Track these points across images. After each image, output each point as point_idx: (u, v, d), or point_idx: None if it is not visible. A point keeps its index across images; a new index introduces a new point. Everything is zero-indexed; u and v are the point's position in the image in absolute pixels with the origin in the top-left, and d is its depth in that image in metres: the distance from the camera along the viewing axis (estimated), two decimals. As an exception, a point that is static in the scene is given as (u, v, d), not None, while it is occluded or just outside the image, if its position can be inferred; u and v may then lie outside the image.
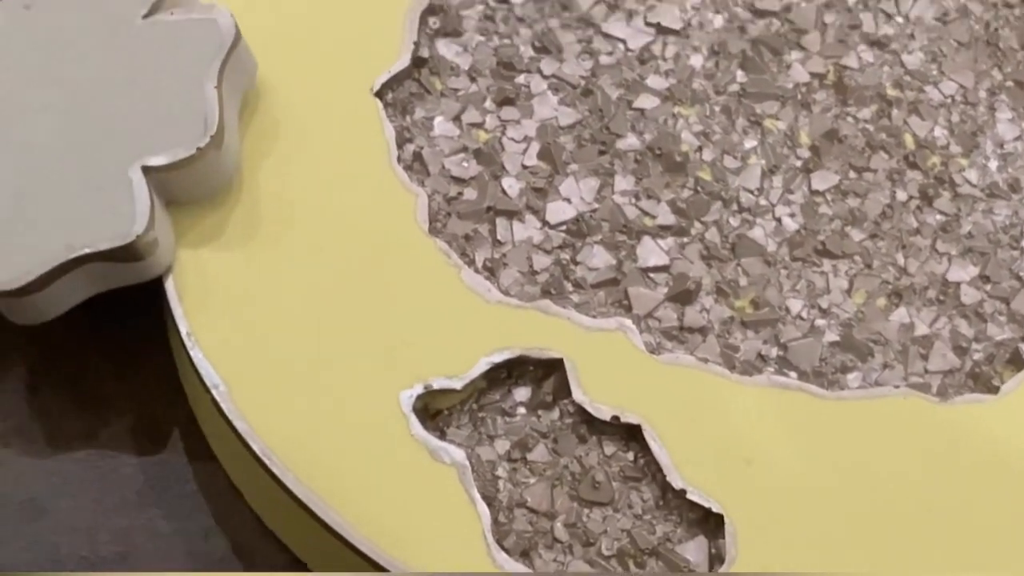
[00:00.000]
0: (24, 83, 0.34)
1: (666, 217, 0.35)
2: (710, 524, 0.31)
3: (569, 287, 0.34)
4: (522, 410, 0.33)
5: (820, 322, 0.34)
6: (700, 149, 0.36)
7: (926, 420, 0.32)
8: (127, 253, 0.32)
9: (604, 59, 0.37)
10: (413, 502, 0.30)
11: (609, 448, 0.32)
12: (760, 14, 0.38)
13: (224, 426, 0.32)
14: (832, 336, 0.33)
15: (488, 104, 0.36)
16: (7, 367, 0.35)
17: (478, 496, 0.30)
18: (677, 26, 0.37)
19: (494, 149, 0.36)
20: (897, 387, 0.33)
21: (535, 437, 0.32)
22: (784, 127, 0.36)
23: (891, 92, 0.37)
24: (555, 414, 0.32)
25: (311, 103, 0.35)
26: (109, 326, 0.35)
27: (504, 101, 0.36)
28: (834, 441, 0.32)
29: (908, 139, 0.36)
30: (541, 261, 0.34)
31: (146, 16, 0.35)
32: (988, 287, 0.34)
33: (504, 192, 0.35)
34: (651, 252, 0.34)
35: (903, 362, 0.33)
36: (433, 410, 0.33)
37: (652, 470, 0.32)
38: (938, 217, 0.35)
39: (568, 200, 0.35)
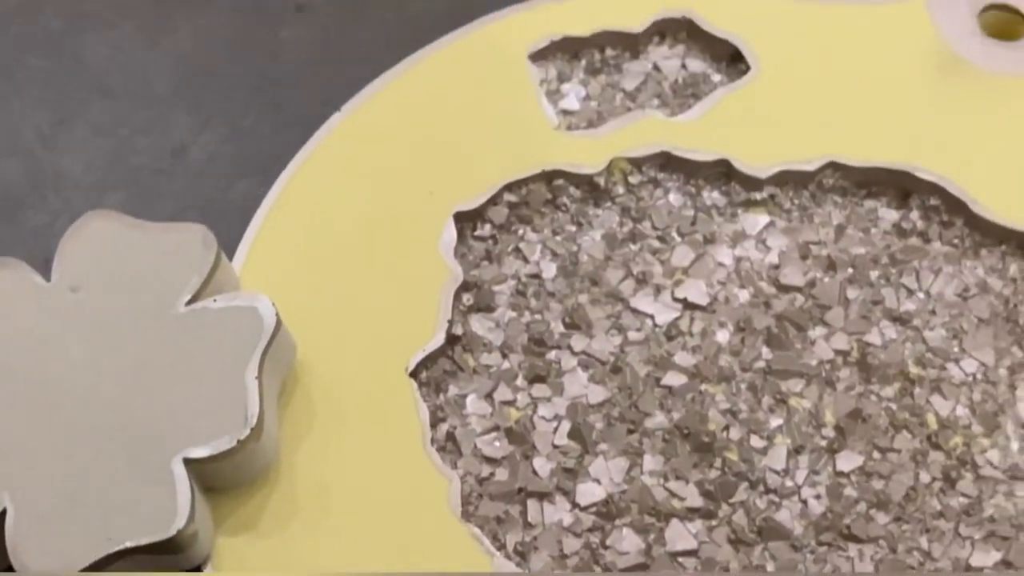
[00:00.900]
0: (69, 368, 0.36)
1: (694, 499, 0.36)
2: None
3: (599, 571, 0.35)
4: None
5: (847, 609, 0.34)
6: (727, 428, 0.37)
7: None
8: (168, 546, 0.33)
9: (632, 335, 0.38)
10: None
11: None
12: (785, 289, 0.39)
13: None
14: (859, 624, 0.34)
15: (520, 381, 0.38)
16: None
17: None
18: (704, 302, 0.39)
19: (525, 428, 0.37)
20: None
21: None
22: (809, 406, 0.37)
23: (913, 370, 0.38)
24: None
25: (348, 384, 0.37)
26: None
27: (535, 378, 0.38)
28: None
29: (931, 419, 0.37)
30: (571, 544, 0.35)
31: (189, 303, 0.36)
32: (1011, 572, 0.35)
33: (535, 473, 0.36)
34: (680, 536, 0.35)
35: (929, 652, 0.34)
36: None
37: None
38: (961, 500, 0.36)
39: (598, 481, 0.36)
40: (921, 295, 0.39)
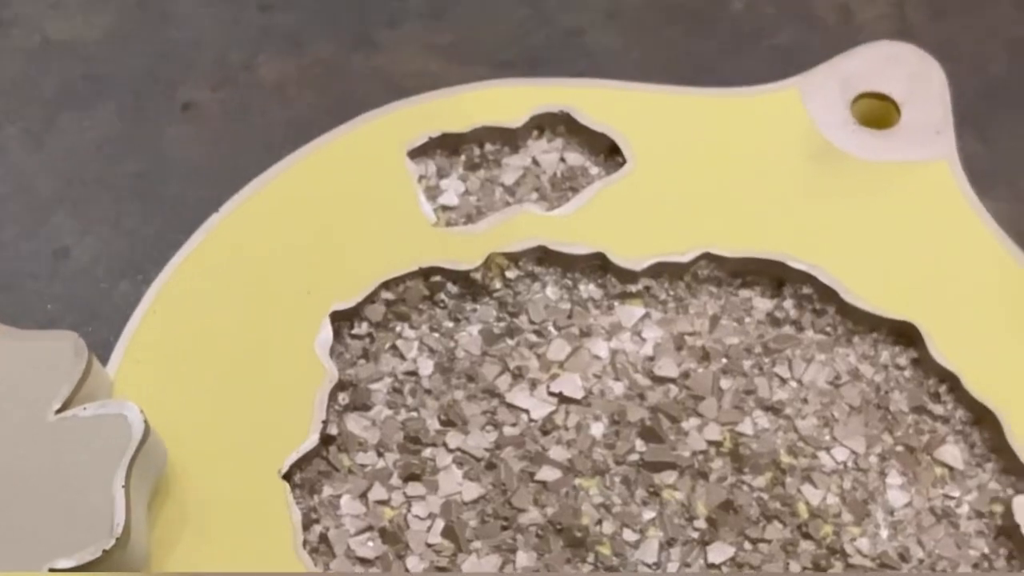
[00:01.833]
0: (-60, 477, 0.36)
1: (566, 595, 0.36)
2: None
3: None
4: None
5: None
6: (600, 522, 0.38)
7: None
8: (33, 658, 0.33)
9: (508, 430, 0.39)
10: None
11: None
12: (659, 381, 0.40)
13: None
14: None
15: (394, 480, 0.38)
16: None
17: None
18: (579, 395, 0.40)
19: (399, 527, 0.37)
20: None
21: None
22: (681, 497, 0.38)
23: (785, 459, 0.39)
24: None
25: (221, 488, 0.37)
26: None
27: (410, 476, 0.38)
28: None
29: (801, 508, 0.38)
30: (443, 645, 0.36)
31: (59, 411, 0.37)
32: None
33: (407, 572, 0.37)
34: (550, 633, 0.36)
35: None
36: None
37: None
38: (831, 589, 0.37)
39: (471, 580, 0.37)
40: (793, 384, 0.40)
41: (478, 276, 0.42)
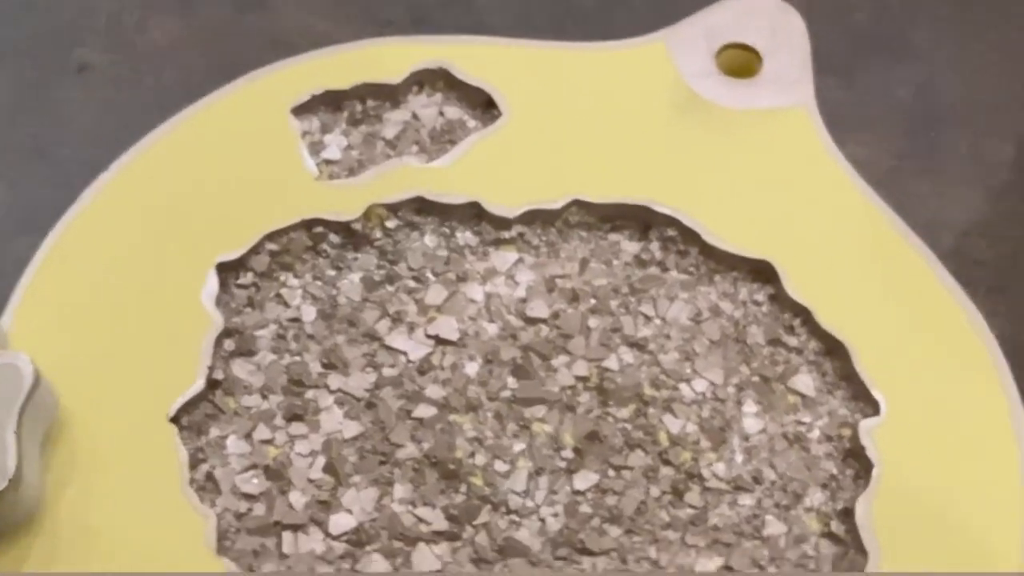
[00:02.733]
0: None
1: (440, 523, 0.39)
2: None
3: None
4: None
5: (579, 619, 0.37)
6: (473, 455, 0.40)
7: None
8: (-68, 593, 0.35)
9: (387, 371, 0.41)
10: None
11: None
12: (531, 322, 0.42)
13: None
14: (590, 632, 0.37)
15: (278, 420, 0.40)
16: None
17: None
18: (454, 337, 0.42)
19: (282, 464, 0.39)
20: None
21: None
22: (550, 430, 0.40)
23: (648, 392, 0.41)
24: None
25: (111, 432, 0.39)
26: None
27: (293, 417, 0.40)
28: None
29: (662, 436, 0.40)
30: (323, 572, 0.38)
31: (-46, 362, 0.38)
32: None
33: (291, 506, 0.39)
34: (425, 559, 0.38)
35: (653, 654, 0.37)
36: None
37: None
38: (688, 511, 0.39)
39: (350, 511, 0.39)
40: (657, 321, 0.42)
41: (359, 226, 0.43)
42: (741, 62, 0.46)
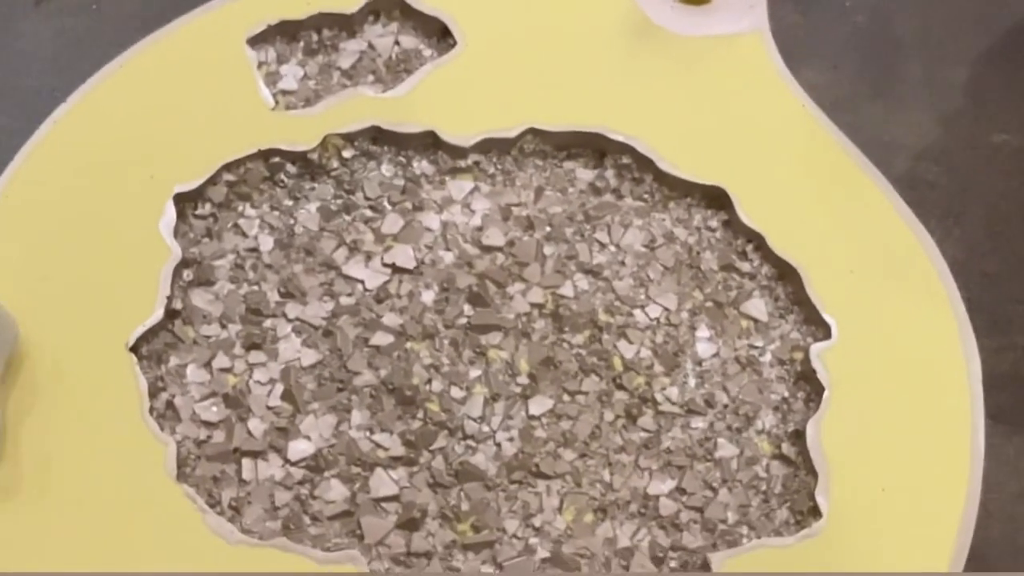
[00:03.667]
0: None
1: (397, 449, 0.39)
2: None
3: (307, 520, 0.38)
4: (261, 641, 0.37)
5: (533, 540, 0.38)
6: (430, 381, 0.40)
7: (623, 628, 0.37)
8: None
9: (344, 300, 0.41)
10: None
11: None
12: (487, 250, 0.42)
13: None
14: (544, 553, 0.38)
15: (237, 349, 0.41)
16: None
17: None
18: (411, 265, 0.42)
19: (241, 392, 0.40)
20: (599, 599, 0.37)
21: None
22: (506, 356, 0.41)
23: (603, 318, 0.41)
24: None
25: (71, 361, 0.39)
26: None
27: (252, 345, 0.41)
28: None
29: (616, 362, 0.41)
30: (282, 497, 0.39)
31: (-87, 294, 0.38)
32: (684, 498, 0.39)
33: (250, 433, 0.39)
34: (382, 483, 0.39)
35: (606, 573, 0.38)
36: (181, 646, 0.36)
37: None
38: (641, 435, 0.40)
39: (308, 437, 0.39)
40: (612, 248, 0.43)
41: (315, 156, 0.43)
42: (697, -11, 0.46)
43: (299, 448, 0.40)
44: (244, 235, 0.43)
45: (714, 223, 0.43)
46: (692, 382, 0.41)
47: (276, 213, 0.43)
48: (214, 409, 0.40)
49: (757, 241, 0.43)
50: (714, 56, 0.45)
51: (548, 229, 0.43)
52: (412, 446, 0.40)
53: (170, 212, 0.42)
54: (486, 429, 0.40)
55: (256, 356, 0.41)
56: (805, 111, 0.44)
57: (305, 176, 0.44)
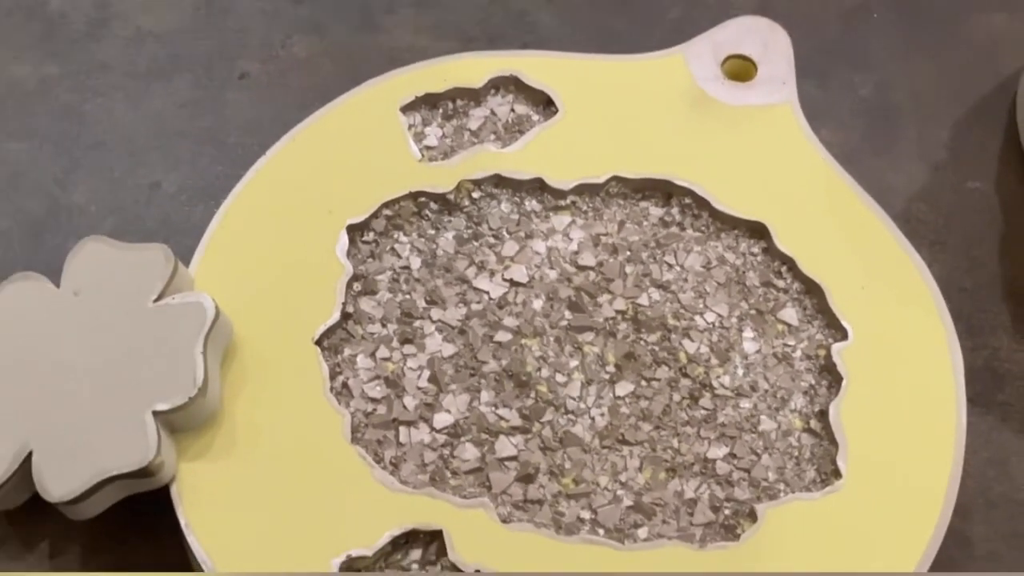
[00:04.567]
0: (75, 348, 0.38)
1: (515, 420, 0.39)
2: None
3: (448, 474, 0.38)
4: (415, 566, 0.37)
5: (620, 492, 0.38)
6: (539, 369, 0.40)
7: (690, 562, 0.36)
8: (144, 473, 0.36)
9: (474, 306, 0.41)
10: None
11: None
12: (581, 268, 0.42)
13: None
14: (628, 502, 0.38)
15: (394, 343, 0.41)
16: (67, 548, 0.39)
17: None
18: (524, 280, 0.42)
19: (397, 376, 0.40)
20: (671, 539, 0.37)
21: (424, 586, 0.36)
22: (597, 350, 0.40)
23: (671, 321, 0.41)
24: (437, 568, 0.36)
25: (271, 352, 0.39)
26: (141, 516, 0.38)
27: (405, 340, 0.41)
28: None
29: (682, 355, 0.40)
30: (429, 456, 0.38)
31: (155, 300, 0.39)
32: (735, 461, 0.38)
33: (404, 407, 0.39)
34: (505, 447, 0.38)
35: (676, 519, 0.37)
36: (355, 568, 0.36)
37: (503, 606, 0.36)
38: (701, 412, 0.39)
39: (448, 411, 0.39)
40: (677, 268, 0.42)
41: (452, 197, 0.43)
42: (741, 69, 0.46)
43: (442, 419, 0.39)
44: (399, 256, 0.42)
45: (756, 249, 0.43)
46: (740, 372, 0.40)
47: (422, 240, 0.43)
48: (378, 389, 0.40)
49: (789, 264, 0.42)
50: (755, 120, 0.44)
51: (628, 253, 0.42)
52: (527, 419, 0.39)
53: (343, 239, 0.42)
54: (583, 406, 0.40)
55: (408, 349, 0.41)
56: (825, 163, 0.43)
57: (444, 212, 0.43)
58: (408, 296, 0.42)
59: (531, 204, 0.44)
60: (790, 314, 0.41)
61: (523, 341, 0.41)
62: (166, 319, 0.39)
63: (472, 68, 0.46)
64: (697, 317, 0.41)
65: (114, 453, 0.36)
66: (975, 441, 0.41)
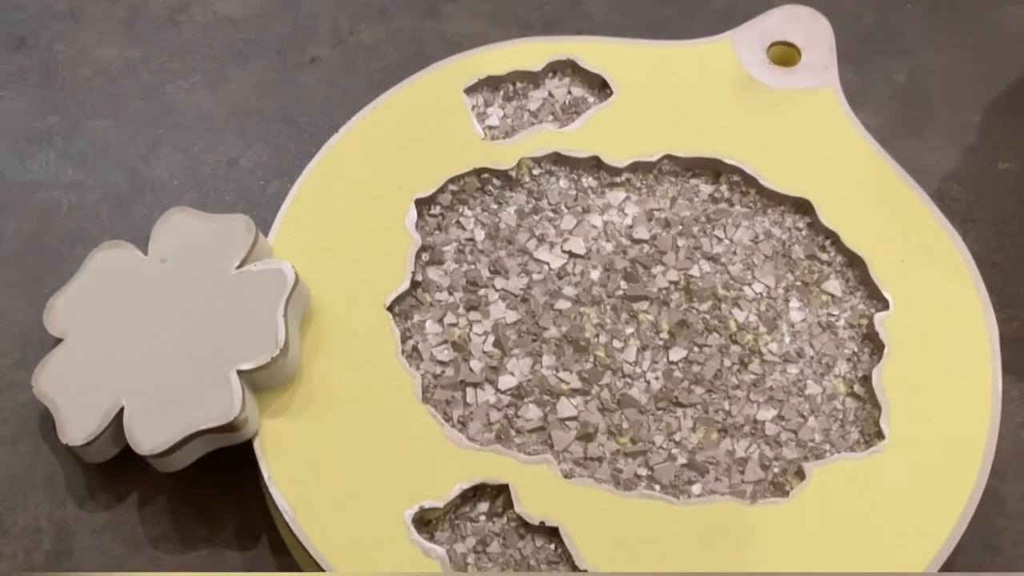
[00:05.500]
0: (163, 312, 0.38)
1: (575, 383, 0.39)
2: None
3: (513, 433, 0.38)
4: (483, 518, 0.36)
5: (675, 451, 0.37)
6: (598, 335, 0.40)
7: (742, 517, 0.36)
8: (229, 428, 0.36)
9: (535, 276, 0.41)
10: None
11: (539, 542, 0.36)
12: (636, 242, 0.41)
13: (292, 536, 0.35)
14: (682, 460, 0.37)
15: (460, 310, 0.40)
16: (155, 499, 0.39)
17: (454, 579, 0.34)
18: (582, 252, 0.41)
19: (464, 341, 0.39)
20: (724, 495, 0.36)
21: (491, 536, 0.36)
22: (651, 319, 0.40)
23: (721, 292, 0.40)
24: (504, 520, 0.36)
25: (346, 317, 0.39)
26: (225, 469, 0.38)
27: (471, 307, 0.40)
28: (682, 533, 0.35)
29: (732, 324, 0.40)
30: (495, 416, 0.38)
31: (238, 267, 0.39)
32: (783, 423, 0.38)
33: (471, 370, 0.39)
34: (565, 408, 0.38)
35: (728, 476, 0.37)
36: (427, 520, 0.36)
37: (566, 556, 0.35)
38: (751, 376, 0.39)
39: (512, 374, 0.39)
40: (727, 241, 0.42)
41: (513, 173, 0.43)
42: (785, 55, 0.45)
43: (506, 381, 0.39)
44: (463, 229, 0.42)
45: (801, 224, 0.42)
46: (787, 339, 0.40)
47: (486, 213, 0.42)
48: (445, 352, 0.39)
49: (833, 238, 0.41)
50: (800, 103, 0.44)
51: (680, 227, 0.42)
52: (586, 381, 0.39)
53: (412, 212, 0.42)
54: (638, 370, 0.39)
55: (474, 315, 0.40)
56: (865, 144, 0.43)
57: (506, 187, 0.43)
58: (473, 266, 0.41)
59: (588, 181, 0.43)
60: (834, 285, 0.41)
61: (582, 309, 0.40)
62: (248, 285, 0.38)
63: (531, 52, 0.46)
64: (746, 288, 0.41)
65: (201, 409, 0.36)
66: (1008, 406, 0.41)
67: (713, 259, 0.41)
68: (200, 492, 0.39)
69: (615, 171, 0.43)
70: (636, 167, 0.43)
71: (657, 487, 0.37)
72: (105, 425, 0.37)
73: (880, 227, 0.41)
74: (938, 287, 0.40)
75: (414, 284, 0.40)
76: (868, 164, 0.43)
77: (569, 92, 0.45)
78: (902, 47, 0.49)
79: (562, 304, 0.40)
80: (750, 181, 0.42)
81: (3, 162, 0.45)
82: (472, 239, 0.42)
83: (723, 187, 0.43)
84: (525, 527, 0.36)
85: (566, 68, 0.46)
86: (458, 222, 0.42)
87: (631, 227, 0.42)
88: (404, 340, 0.39)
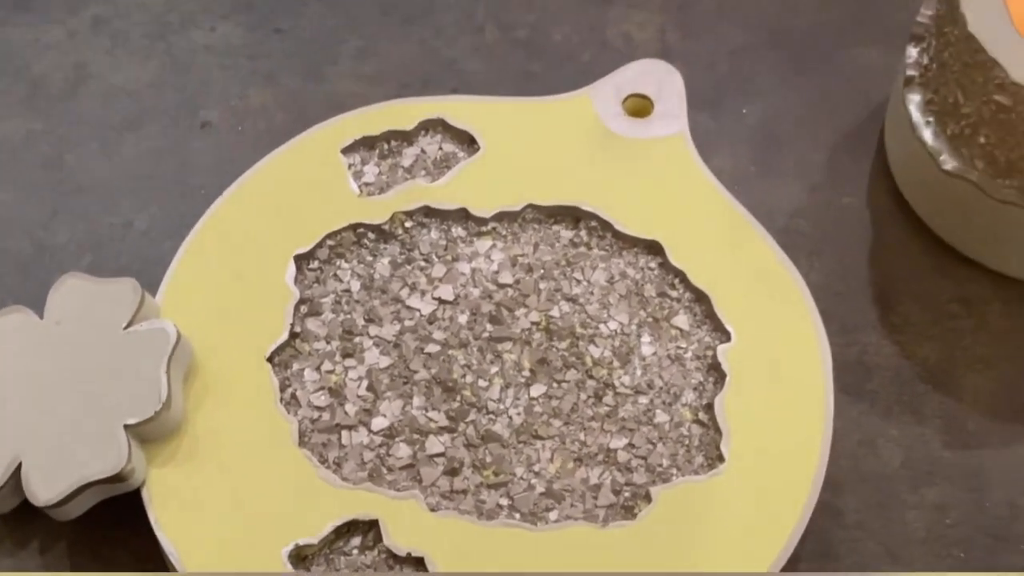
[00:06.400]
0: (57, 371, 0.41)
1: (443, 421, 0.41)
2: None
3: (385, 471, 0.40)
4: (355, 551, 0.39)
5: (534, 481, 0.40)
6: (464, 376, 0.42)
7: (594, 540, 0.39)
8: (117, 478, 0.38)
9: (407, 323, 0.43)
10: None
11: (407, 572, 0.38)
12: (501, 286, 0.44)
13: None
14: (540, 489, 0.40)
15: (337, 358, 0.43)
16: (54, 546, 0.41)
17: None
18: (451, 298, 0.44)
19: (340, 386, 0.42)
20: (578, 519, 0.39)
21: (363, 568, 0.39)
22: (514, 357, 0.42)
23: (579, 330, 0.43)
24: (375, 552, 0.39)
25: (228, 370, 0.42)
26: (119, 516, 0.40)
27: (346, 355, 0.43)
28: (539, 557, 0.38)
29: (588, 359, 0.42)
30: (368, 456, 0.41)
31: (126, 327, 0.41)
32: (634, 450, 0.41)
33: (346, 413, 0.41)
34: (434, 445, 0.41)
35: (583, 502, 0.40)
36: (303, 555, 0.39)
37: (431, 583, 0.38)
38: (605, 408, 0.42)
39: (384, 415, 0.41)
40: (585, 283, 0.45)
41: (387, 227, 0.45)
42: (640, 106, 0.48)
43: (379, 422, 0.41)
44: (340, 281, 0.45)
45: (653, 264, 0.45)
46: (639, 372, 0.43)
47: (361, 265, 0.45)
48: (322, 398, 0.42)
49: (681, 276, 0.44)
50: (652, 152, 0.47)
51: (542, 271, 0.45)
52: (453, 419, 0.41)
53: (291, 267, 0.44)
54: (502, 407, 0.42)
55: (349, 362, 0.43)
56: (712, 187, 0.46)
57: (380, 240, 0.45)
58: (349, 315, 0.44)
59: (457, 231, 0.46)
60: (682, 320, 0.44)
61: (450, 352, 0.43)
62: (135, 344, 0.41)
63: (404, 113, 0.48)
64: (601, 325, 0.43)
65: (91, 462, 0.39)
66: (847, 425, 0.44)
67: (572, 300, 0.44)
68: (97, 538, 0.41)
69: (482, 221, 0.45)
70: (501, 216, 0.46)
71: (517, 515, 0.39)
72: (5, 478, 0.39)
73: (724, 265, 0.44)
74: (776, 318, 0.43)
75: (293, 335, 0.43)
76: (714, 206, 0.46)
77: (440, 148, 0.48)
78: (753, 91, 0.52)
79: (432, 348, 0.43)
80: (606, 226, 0.45)
81: (-92, 234, 0.47)
82: (348, 290, 0.44)
83: (582, 232, 0.46)
84: (394, 558, 0.39)
85: (437, 126, 0.48)
86: (335, 275, 0.45)
87: (496, 272, 0.45)
88: (283, 388, 0.42)
